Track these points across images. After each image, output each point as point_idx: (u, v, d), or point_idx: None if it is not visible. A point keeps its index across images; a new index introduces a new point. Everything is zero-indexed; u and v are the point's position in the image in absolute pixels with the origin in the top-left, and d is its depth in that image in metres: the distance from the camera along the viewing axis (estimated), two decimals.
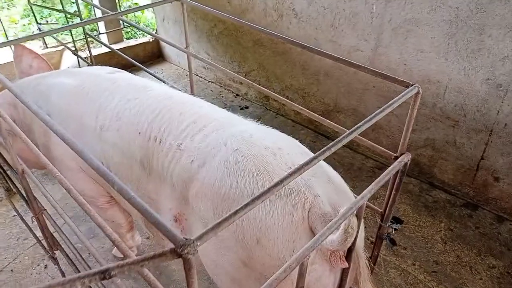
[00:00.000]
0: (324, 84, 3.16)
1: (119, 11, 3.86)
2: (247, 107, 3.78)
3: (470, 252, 2.35)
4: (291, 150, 1.27)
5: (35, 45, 4.19)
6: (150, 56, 4.65)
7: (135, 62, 2.26)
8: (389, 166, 1.07)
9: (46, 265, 2.17)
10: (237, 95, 4.00)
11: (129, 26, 4.59)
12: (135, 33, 5.15)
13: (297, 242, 1.11)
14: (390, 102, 1.08)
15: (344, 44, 2.84)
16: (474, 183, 2.64)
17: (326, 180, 1.24)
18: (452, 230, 2.50)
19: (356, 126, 0.97)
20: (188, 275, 0.59)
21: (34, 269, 2.19)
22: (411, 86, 1.12)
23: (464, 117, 2.50)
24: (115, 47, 4.42)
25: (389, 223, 1.35)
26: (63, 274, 1.77)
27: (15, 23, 5.98)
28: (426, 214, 2.62)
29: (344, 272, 1.18)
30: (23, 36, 1.82)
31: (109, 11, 1.93)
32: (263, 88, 1.64)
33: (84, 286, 0.50)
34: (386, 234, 1.38)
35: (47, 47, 3.64)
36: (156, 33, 4.73)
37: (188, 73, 4.37)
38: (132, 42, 4.52)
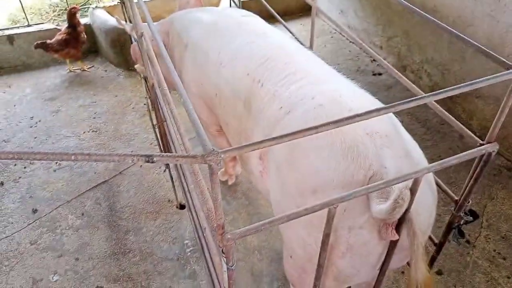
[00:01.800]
0: (470, 63, 2.83)
1: None
2: (380, 74, 3.64)
3: None
4: None
5: None
6: (301, 8, 4.74)
7: (274, 13, 2.39)
8: None
9: (165, 169, 2.64)
10: (374, 60, 3.86)
11: None
12: None
13: (350, 203, 1.10)
14: (480, 79, 1.03)
15: (503, 21, 2.47)
16: None
17: (402, 154, 1.22)
18: None
19: (434, 92, 0.97)
20: (211, 179, 0.75)
21: (156, 170, 2.71)
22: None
23: None
24: None
25: (462, 214, 1.28)
26: (171, 177, 2.15)
27: None
28: None
29: (392, 245, 1.20)
30: None
31: None
32: (368, 48, 1.62)
33: (133, 161, 0.70)
34: (456, 224, 1.32)
35: None
36: None
37: (332, 29, 4.36)
38: None
